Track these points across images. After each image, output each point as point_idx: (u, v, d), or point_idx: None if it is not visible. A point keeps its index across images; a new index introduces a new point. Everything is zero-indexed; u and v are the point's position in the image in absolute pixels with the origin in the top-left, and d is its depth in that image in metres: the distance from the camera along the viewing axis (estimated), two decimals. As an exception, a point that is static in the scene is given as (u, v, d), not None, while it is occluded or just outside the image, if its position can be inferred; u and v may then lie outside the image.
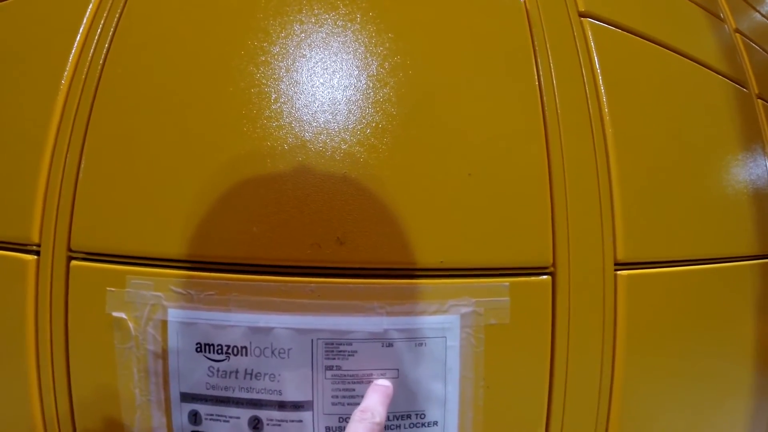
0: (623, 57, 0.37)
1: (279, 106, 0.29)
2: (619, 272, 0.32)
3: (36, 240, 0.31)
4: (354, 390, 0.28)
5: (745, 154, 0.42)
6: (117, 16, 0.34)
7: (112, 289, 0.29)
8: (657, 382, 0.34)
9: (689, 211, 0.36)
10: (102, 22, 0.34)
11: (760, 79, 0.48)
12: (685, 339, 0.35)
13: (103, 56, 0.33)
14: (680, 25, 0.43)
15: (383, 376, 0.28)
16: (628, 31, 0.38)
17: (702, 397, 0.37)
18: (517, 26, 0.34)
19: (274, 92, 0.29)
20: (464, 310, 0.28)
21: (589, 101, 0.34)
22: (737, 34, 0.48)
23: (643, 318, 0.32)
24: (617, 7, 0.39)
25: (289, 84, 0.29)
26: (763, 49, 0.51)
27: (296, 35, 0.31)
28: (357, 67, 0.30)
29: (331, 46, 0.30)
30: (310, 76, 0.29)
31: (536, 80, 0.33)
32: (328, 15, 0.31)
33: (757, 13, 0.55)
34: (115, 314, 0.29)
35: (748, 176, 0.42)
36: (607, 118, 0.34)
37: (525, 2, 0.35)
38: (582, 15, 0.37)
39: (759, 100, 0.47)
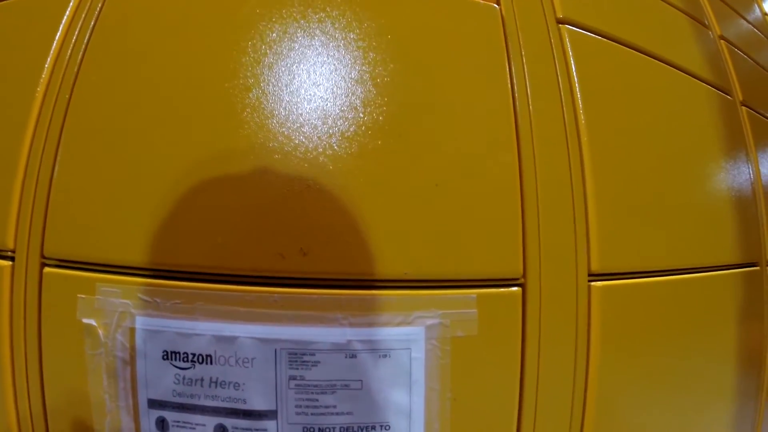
0: (602, 64, 0.36)
1: (246, 114, 0.29)
2: (593, 283, 0.31)
3: (11, 246, 0.31)
4: (317, 400, 0.28)
5: (728, 161, 0.42)
6: (92, 24, 0.34)
7: (83, 296, 0.30)
8: (634, 393, 0.33)
9: (667, 220, 0.36)
10: (78, 28, 0.34)
11: (744, 86, 0.47)
12: (661, 350, 0.34)
13: (78, 63, 0.33)
14: (662, 32, 0.42)
15: (347, 387, 0.28)
16: (608, 38, 0.38)
17: (684, 405, 0.36)
18: (491, 34, 0.33)
19: (239, 101, 0.29)
20: (430, 321, 0.28)
21: (565, 109, 0.33)
22: (722, 41, 0.47)
23: (618, 330, 0.32)
24: (597, 13, 0.38)
25: (256, 93, 0.29)
26: (749, 56, 0.50)
27: (264, 44, 0.31)
28: (324, 75, 0.30)
29: (299, 53, 0.30)
30: (278, 84, 0.29)
31: (509, 88, 0.32)
32: (298, 23, 0.31)
33: (743, 20, 0.54)
34: (85, 321, 0.30)
35: (731, 184, 0.41)
36: (582, 126, 0.34)
37: (501, 9, 0.35)
38: (560, 21, 0.36)
39: (743, 108, 0.46)
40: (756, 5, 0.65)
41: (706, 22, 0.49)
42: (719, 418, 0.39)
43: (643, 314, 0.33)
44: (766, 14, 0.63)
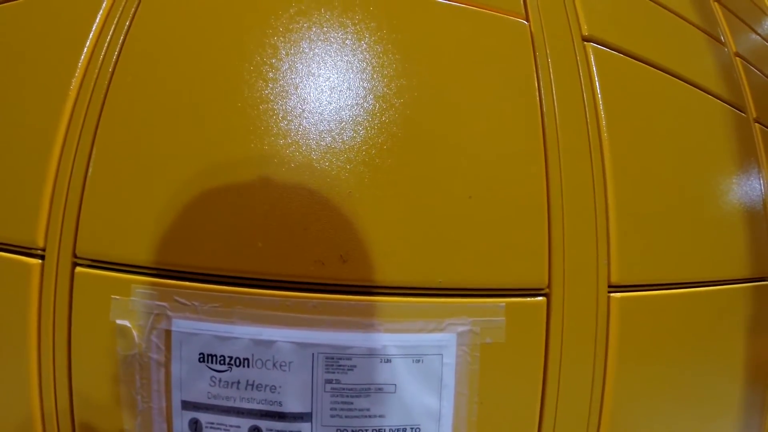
0: (624, 81, 0.38)
1: (287, 124, 0.29)
2: (612, 294, 0.33)
3: (41, 244, 0.31)
4: (352, 403, 0.28)
5: (741, 178, 0.43)
6: (127, 24, 0.34)
7: (117, 297, 0.30)
8: (647, 402, 0.35)
9: (684, 235, 0.37)
10: (112, 29, 0.34)
11: (758, 102, 0.49)
12: (676, 360, 0.36)
13: (112, 63, 0.33)
14: (682, 50, 0.44)
15: (381, 390, 0.28)
16: (630, 56, 0.39)
17: (693, 416, 0.38)
18: (521, 49, 0.34)
19: (282, 110, 0.29)
20: (461, 328, 0.29)
21: (589, 125, 0.35)
22: (737, 58, 0.49)
23: (635, 339, 0.33)
24: (621, 32, 0.39)
25: (297, 102, 0.30)
26: (762, 72, 0.52)
27: (305, 53, 0.31)
28: (363, 87, 0.31)
29: (339, 66, 0.31)
30: (318, 94, 0.30)
31: (538, 103, 0.33)
32: (337, 34, 0.32)
33: (755, 34, 0.56)
34: (119, 322, 0.30)
35: (744, 200, 0.43)
36: (606, 142, 0.35)
37: (530, 25, 0.36)
38: (585, 39, 0.37)
39: (756, 124, 0.48)
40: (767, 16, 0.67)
41: (723, 39, 0.51)
42: (725, 430, 0.41)
43: (658, 325, 0.34)
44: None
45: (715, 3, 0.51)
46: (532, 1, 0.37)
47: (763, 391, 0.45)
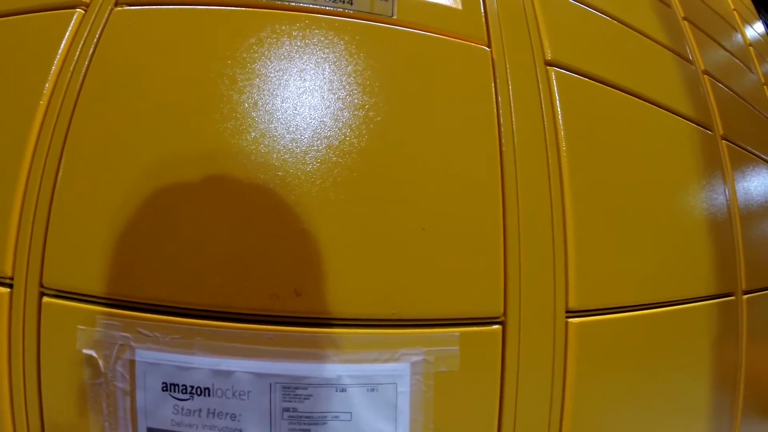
0: (587, 105, 0.38)
1: (242, 159, 0.30)
2: (570, 320, 0.33)
3: (9, 273, 0.32)
4: (310, 430, 0.29)
5: (707, 195, 0.44)
6: (96, 39, 0.34)
7: (83, 327, 0.31)
8: (609, 424, 0.36)
9: (646, 257, 0.38)
10: (75, 57, 0.34)
11: (725, 120, 0.49)
12: (636, 380, 0.37)
13: (75, 97, 0.33)
14: (648, 71, 0.44)
15: (337, 418, 0.29)
16: (594, 79, 0.39)
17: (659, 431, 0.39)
18: (481, 77, 0.35)
19: (236, 146, 0.30)
20: (415, 358, 0.30)
21: (548, 151, 0.35)
22: (705, 76, 0.49)
23: (594, 363, 0.34)
24: (585, 55, 0.40)
25: (252, 136, 0.30)
26: (730, 88, 0.52)
27: (264, 83, 0.32)
28: (320, 120, 0.31)
29: (294, 99, 0.31)
30: (275, 127, 0.31)
31: (497, 131, 0.34)
32: (294, 64, 0.32)
33: (724, 50, 0.56)
34: (85, 351, 0.31)
35: (709, 218, 0.43)
36: (565, 167, 0.35)
37: (491, 51, 0.36)
38: (548, 64, 0.38)
39: (723, 141, 0.48)
40: (737, 32, 0.67)
41: (690, 57, 0.51)
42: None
43: (619, 348, 0.35)
44: (750, 44, 0.65)
45: (685, 21, 0.51)
46: (495, 26, 0.37)
47: (732, 398, 0.46)
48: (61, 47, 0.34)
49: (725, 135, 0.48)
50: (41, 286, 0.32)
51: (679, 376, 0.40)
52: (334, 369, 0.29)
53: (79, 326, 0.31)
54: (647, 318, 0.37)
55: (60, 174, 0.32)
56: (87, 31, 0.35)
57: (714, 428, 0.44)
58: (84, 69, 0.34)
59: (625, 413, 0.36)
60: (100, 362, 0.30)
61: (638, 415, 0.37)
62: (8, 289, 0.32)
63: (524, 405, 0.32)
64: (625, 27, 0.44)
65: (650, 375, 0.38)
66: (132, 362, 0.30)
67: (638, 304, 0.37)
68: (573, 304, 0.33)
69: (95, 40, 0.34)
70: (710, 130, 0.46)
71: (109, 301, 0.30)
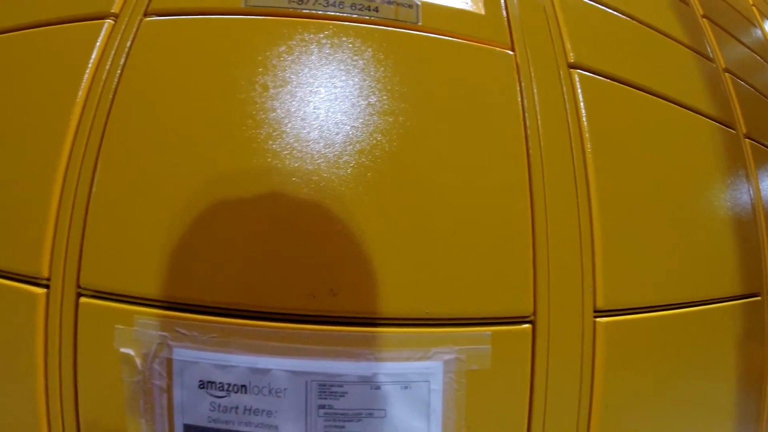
0: (611, 107, 0.39)
1: (278, 163, 0.30)
2: (598, 319, 0.34)
3: (46, 274, 0.33)
4: (344, 427, 0.30)
5: (731, 195, 0.44)
6: (125, 52, 0.35)
7: (121, 326, 0.31)
8: (636, 424, 0.36)
9: (672, 257, 0.38)
10: (108, 63, 0.35)
11: (748, 117, 0.49)
12: (664, 381, 0.37)
13: (110, 100, 0.34)
14: (669, 70, 0.44)
15: (371, 415, 0.30)
16: (617, 81, 0.40)
17: None
18: (506, 81, 0.35)
19: (271, 150, 0.31)
20: (447, 357, 0.30)
21: (574, 153, 0.35)
22: (726, 74, 0.50)
23: (622, 363, 0.34)
24: (607, 56, 0.40)
25: (287, 141, 0.31)
26: (752, 86, 0.52)
27: (294, 89, 0.33)
28: (351, 125, 0.32)
29: (325, 106, 0.32)
30: (308, 132, 0.31)
31: (523, 134, 0.34)
32: (324, 71, 0.33)
33: (744, 47, 0.56)
34: (123, 350, 0.31)
35: (734, 217, 0.43)
36: (591, 167, 0.36)
37: (515, 55, 0.37)
38: (571, 66, 0.38)
39: (747, 140, 0.49)
40: (757, 28, 0.67)
41: (711, 55, 0.51)
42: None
43: (646, 348, 0.35)
44: None
45: (704, 19, 0.52)
46: (518, 31, 0.38)
47: (757, 402, 0.46)
48: (93, 57, 0.35)
49: (748, 133, 0.48)
50: (78, 286, 0.32)
51: (704, 377, 0.40)
52: (368, 367, 0.29)
53: (116, 326, 0.31)
54: (673, 318, 0.37)
55: (96, 177, 0.33)
56: (117, 41, 0.36)
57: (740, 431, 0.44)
58: (117, 77, 0.34)
59: (652, 413, 0.36)
60: (138, 361, 0.31)
61: (664, 414, 0.37)
62: (45, 290, 0.33)
63: (553, 402, 0.32)
64: (645, 27, 0.44)
65: (676, 375, 0.38)
66: (169, 360, 0.31)
67: (665, 304, 0.37)
68: (601, 304, 0.34)
69: (126, 50, 0.35)
70: (733, 129, 0.46)
71: (146, 301, 0.31)
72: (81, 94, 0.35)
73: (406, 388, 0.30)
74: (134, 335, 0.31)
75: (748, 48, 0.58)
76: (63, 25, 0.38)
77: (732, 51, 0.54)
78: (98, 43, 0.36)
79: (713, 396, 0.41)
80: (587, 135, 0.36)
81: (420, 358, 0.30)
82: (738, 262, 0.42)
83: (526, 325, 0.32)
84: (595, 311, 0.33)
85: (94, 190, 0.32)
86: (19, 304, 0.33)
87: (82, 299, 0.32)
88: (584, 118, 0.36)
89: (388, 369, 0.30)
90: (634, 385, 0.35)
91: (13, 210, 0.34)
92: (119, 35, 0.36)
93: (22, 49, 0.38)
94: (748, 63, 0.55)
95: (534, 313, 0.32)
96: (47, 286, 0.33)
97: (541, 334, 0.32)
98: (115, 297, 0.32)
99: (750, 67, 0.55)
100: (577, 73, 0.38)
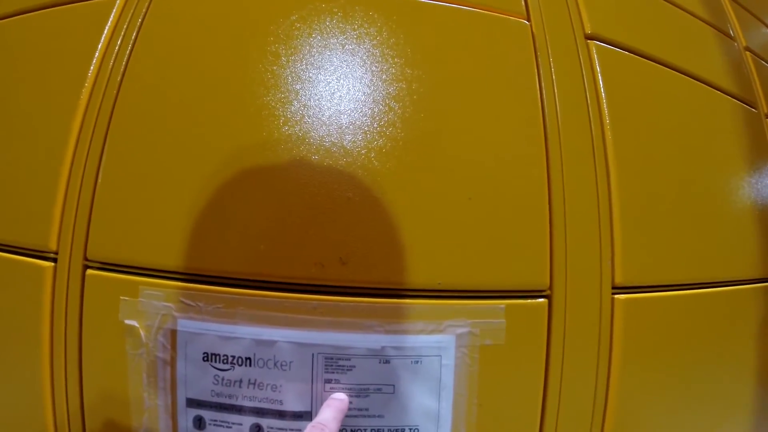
0: (628, 79, 0.37)
1: (288, 129, 0.30)
2: (616, 296, 0.32)
3: (53, 248, 0.32)
4: (351, 403, 0.29)
5: (752, 174, 0.42)
6: (134, 34, 0.35)
7: (126, 298, 0.31)
8: (653, 405, 0.34)
9: (692, 234, 0.36)
10: (121, 37, 0.35)
11: (770, 98, 0.47)
12: (683, 362, 0.35)
13: (121, 72, 0.34)
14: (689, 45, 0.43)
15: (379, 391, 0.29)
16: (634, 53, 0.38)
17: (701, 419, 0.37)
18: (522, 50, 0.34)
19: (282, 116, 0.30)
20: (460, 330, 0.29)
21: (592, 124, 0.34)
22: (747, 53, 0.48)
23: (640, 342, 0.33)
24: (625, 28, 0.39)
25: (297, 108, 0.30)
26: (774, 68, 0.50)
27: (306, 57, 0.32)
28: (362, 92, 0.31)
29: (338, 72, 0.31)
30: (318, 100, 0.30)
31: (540, 104, 0.33)
32: (336, 39, 0.32)
33: (765, 26, 0.55)
34: (127, 322, 0.31)
35: (755, 197, 0.42)
36: (609, 140, 0.34)
37: (531, 25, 0.35)
38: (588, 37, 0.37)
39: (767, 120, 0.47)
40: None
41: (732, 33, 0.49)
42: None
43: (665, 327, 0.34)
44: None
45: (726, -3, 0.50)
46: (534, 0, 0.36)
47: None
48: (105, 32, 0.35)
49: (769, 113, 0.46)
50: (85, 259, 0.32)
51: (722, 358, 0.38)
52: (377, 340, 0.28)
53: (121, 297, 0.31)
54: (694, 298, 0.36)
55: (105, 151, 0.32)
56: (129, 16, 0.35)
57: (755, 424, 0.42)
58: (128, 52, 0.34)
59: (668, 391, 0.35)
60: (142, 332, 0.31)
61: (680, 394, 0.35)
62: (52, 264, 0.32)
63: (569, 380, 0.30)
64: (664, 1, 0.43)
65: (693, 355, 0.36)
66: (173, 332, 0.30)
67: (685, 283, 0.35)
68: (619, 280, 0.32)
69: (138, 24, 0.35)
70: (755, 108, 0.45)
71: (152, 272, 0.30)
72: (93, 68, 0.34)
73: (416, 362, 0.29)
74: (139, 306, 0.31)
75: (770, 28, 0.56)
76: (75, 3, 0.38)
77: (754, 30, 0.53)
78: (111, 19, 0.35)
79: (728, 379, 0.39)
80: (605, 107, 0.35)
81: (432, 332, 0.29)
82: (760, 243, 0.40)
83: (542, 300, 0.30)
84: (613, 287, 0.32)
85: (102, 163, 0.32)
86: (26, 277, 0.33)
87: (89, 271, 0.32)
88: (602, 90, 0.35)
89: (398, 342, 0.28)
90: (652, 363, 0.33)
91: (22, 186, 0.33)
92: (132, 11, 0.36)
93: (34, 30, 0.38)
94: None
95: (550, 288, 0.31)
96: (55, 260, 0.32)
97: (557, 310, 0.30)
98: (120, 268, 0.31)
99: (771, 48, 0.53)
100: (594, 44, 0.36)
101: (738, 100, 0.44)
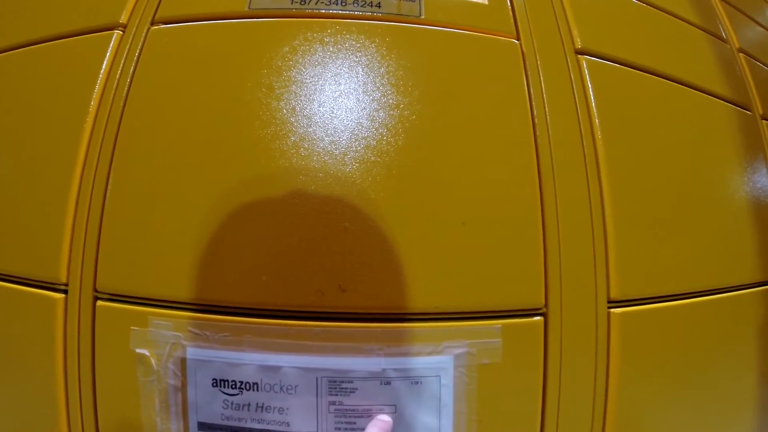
0: (620, 93, 0.37)
1: (284, 162, 0.31)
2: (612, 310, 0.33)
3: (64, 280, 0.33)
4: (355, 423, 0.30)
5: (749, 178, 0.42)
6: (134, 61, 0.36)
7: (136, 328, 0.32)
8: (652, 418, 0.35)
9: (688, 244, 0.37)
10: (119, 70, 0.36)
11: (764, 99, 0.47)
12: (682, 373, 0.36)
13: (122, 104, 0.35)
14: (681, 52, 0.43)
15: (382, 411, 0.30)
16: (626, 65, 0.39)
17: (705, 426, 0.38)
18: (512, 69, 0.34)
19: (278, 148, 0.31)
20: (458, 351, 0.30)
21: (584, 141, 0.35)
22: (741, 54, 0.48)
23: (638, 354, 0.33)
24: (615, 41, 0.39)
25: (294, 139, 0.31)
26: (766, 66, 0.50)
27: (299, 89, 0.33)
28: (356, 121, 0.32)
29: (332, 101, 0.32)
30: (312, 129, 0.31)
31: (531, 124, 0.33)
32: (329, 69, 0.33)
33: (759, 26, 0.54)
34: (138, 351, 0.32)
35: (752, 201, 0.42)
36: (602, 156, 0.35)
37: (520, 43, 0.36)
38: (579, 52, 0.37)
39: (763, 121, 0.47)
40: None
41: (724, 36, 0.49)
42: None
43: (663, 338, 0.34)
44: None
45: None
46: (523, 19, 0.37)
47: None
48: (103, 67, 0.36)
49: (765, 114, 0.46)
50: (95, 290, 0.33)
51: (724, 367, 0.38)
52: (378, 362, 0.29)
53: (132, 327, 0.32)
54: (690, 307, 0.36)
55: (110, 184, 0.33)
56: (126, 51, 0.36)
57: (763, 425, 0.42)
58: (127, 85, 0.35)
59: (668, 405, 0.35)
60: (153, 361, 0.32)
61: (682, 407, 0.36)
62: (63, 295, 0.34)
63: (567, 396, 0.31)
64: (654, 9, 0.43)
65: (694, 367, 0.37)
66: (183, 360, 0.31)
67: (681, 292, 0.36)
68: (615, 294, 0.33)
69: (135, 59, 0.36)
70: (749, 110, 0.45)
71: (160, 303, 0.32)
72: (93, 103, 0.35)
73: (416, 383, 0.30)
74: (149, 336, 0.32)
75: (764, 27, 0.55)
76: (74, 38, 0.39)
77: (747, 31, 0.52)
78: (108, 54, 0.36)
79: (734, 387, 0.39)
80: (597, 122, 0.35)
81: (430, 353, 0.30)
82: (757, 247, 0.41)
83: (538, 318, 0.31)
84: (608, 302, 0.33)
85: (108, 196, 0.33)
86: (38, 309, 0.34)
87: (99, 303, 0.33)
88: (593, 105, 0.35)
89: (398, 364, 0.29)
90: (650, 378, 0.34)
91: (31, 219, 0.35)
92: (128, 45, 0.37)
93: (36, 63, 0.39)
94: (763, 43, 0.53)
95: (546, 305, 0.31)
96: (65, 291, 0.34)
97: (553, 327, 0.31)
98: (130, 299, 0.32)
99: (765, 47, 0.53)
100: (584, 59, 0.37)
101: (732, 104, 0.44)
